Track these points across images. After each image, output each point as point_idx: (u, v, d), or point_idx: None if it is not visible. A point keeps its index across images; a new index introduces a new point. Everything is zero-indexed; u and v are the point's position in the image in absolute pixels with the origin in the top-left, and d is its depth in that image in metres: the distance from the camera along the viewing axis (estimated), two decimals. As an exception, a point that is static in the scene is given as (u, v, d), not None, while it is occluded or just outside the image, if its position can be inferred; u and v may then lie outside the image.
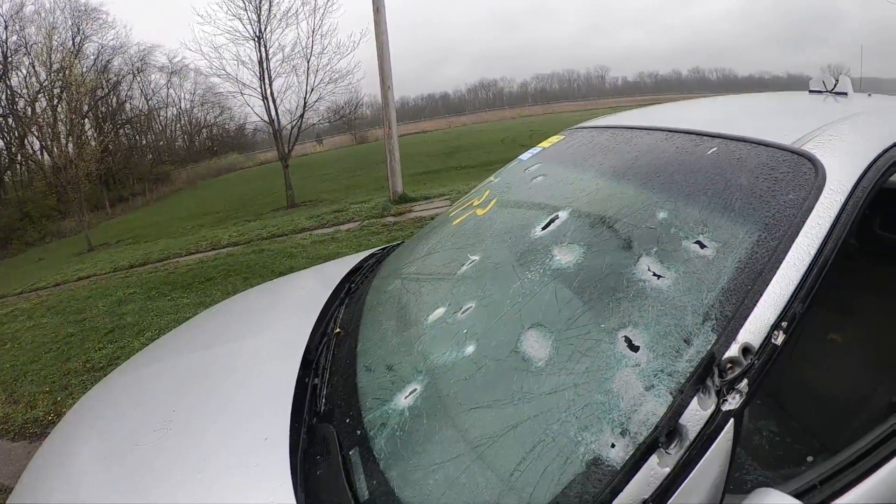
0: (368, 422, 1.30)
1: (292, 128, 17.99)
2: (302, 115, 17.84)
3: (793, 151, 1.29)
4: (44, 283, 10.57)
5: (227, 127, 55.51)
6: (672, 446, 0.93)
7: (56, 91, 21.41)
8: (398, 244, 2.66)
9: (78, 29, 35.94)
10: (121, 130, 42.64)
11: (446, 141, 35.84)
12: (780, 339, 1.00)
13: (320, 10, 17.10)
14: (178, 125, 54.21)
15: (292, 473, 1.21)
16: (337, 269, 2.48)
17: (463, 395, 1.22)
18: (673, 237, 1.25)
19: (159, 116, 50.48)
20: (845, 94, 1.72)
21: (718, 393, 0.96)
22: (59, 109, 18.90)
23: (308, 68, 17.47)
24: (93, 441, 1.61)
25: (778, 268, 1.05)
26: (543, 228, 1.58)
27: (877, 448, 1.20)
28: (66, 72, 19.35)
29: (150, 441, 1.47)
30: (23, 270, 16.06)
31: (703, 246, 1.18)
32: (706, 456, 0.94)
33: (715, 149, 1.47)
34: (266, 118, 17.77)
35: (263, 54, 17.19)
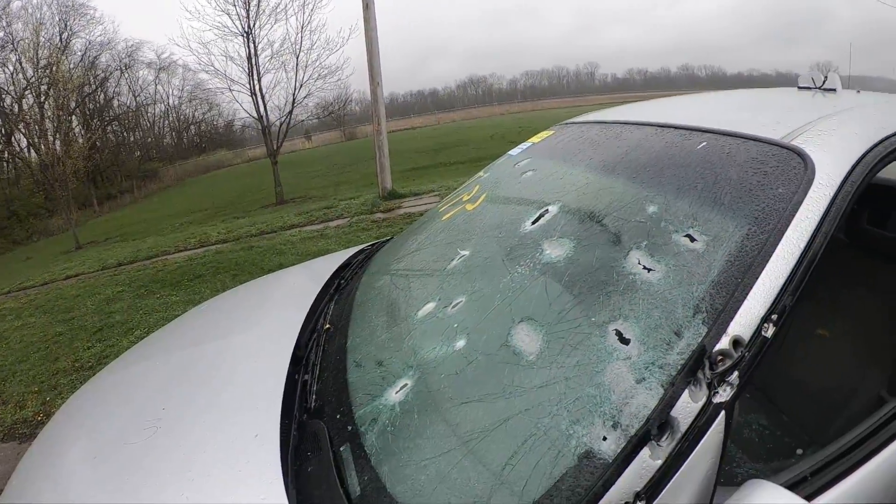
0: (359, 418, 1.30)
1: (281, 124, 17.97)
2: (291, 112, 17.84)
3: (782, 146, 1.29)
4: (32, 281, 10.47)
5: (215, 123, 55.45)
6: (664, 439, 0.94)
7: (43, 88, 21.28)
8: (388, 240, 2.65)
9: (65, 25, 35.59)
10: (108, 127, 42.41)
11: (435, 137, 35.84)
12: (770, 331, 1.00)
13: (309, 5, 17.12)
14: (167, 122, 54.01)
15: (283, 470, 1.21)
16: (326, 266, 2.47)
17: (454, 390, 1.22)
18: (663, 231, 1.25)
19: (147, 113, 50.28)
20: (834, 90, 1.73)
21: (709, 385, 0.96)
22: (46, 106, 18.82)
23: (297, 64, 17.51)
24: (82, 441, 1.60)
25: (767, 261, 1.06)
26: (533, 223, 1.58)
27: (866, 440, 1.21)
28: (54, 68, 19.25)
29: (140, 440, 1.46)
30: (10, 269, 15.94)
31: (693, 239, 1.19)
32: (698, 448, 0.94)
33: (704, 143, 1.47)
34: (255, 114, 17.72)
35: (252, 50, 17.17)
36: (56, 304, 7.55)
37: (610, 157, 1.70)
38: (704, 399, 0.95)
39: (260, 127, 17.99)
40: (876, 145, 1.26)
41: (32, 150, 20.09)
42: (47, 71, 20.84)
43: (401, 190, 12.68)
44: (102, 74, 41.06)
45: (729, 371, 0.97)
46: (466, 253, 1.69)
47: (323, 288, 2.16)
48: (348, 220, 10.41)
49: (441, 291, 1.60)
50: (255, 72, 17.25)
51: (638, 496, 0.92)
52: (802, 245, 1.07)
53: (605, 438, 0.96)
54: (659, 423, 0.94)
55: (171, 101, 52.84)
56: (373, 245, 2.72)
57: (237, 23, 16.83)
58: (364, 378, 1.44)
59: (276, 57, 17.51)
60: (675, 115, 1.81)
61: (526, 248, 1.50)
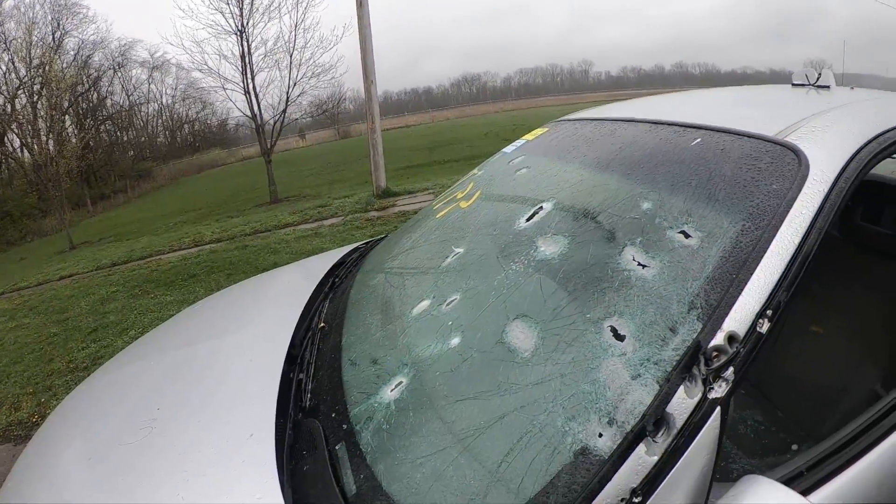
0: (354, 416, 1.30)
1: (275, 123, 17.91)
2: (284, 110, 17.79)
3: (777, 142, 1.30)
4: (25, 282, 10.44)
5: (209, 122, 55.27)
6: (659, 435, 0.94)
7: (36, 87, 21.21)
8: (382, 238, 2.64)
9: (58, 24, 35.38)
10: (102, 127, 42.20)
11: (429, 135, 35.80)
12: (765, 327, 1.00)
13: (303, 3, 17.08)
14: (160, 121, 53.75)
15: (278, 469, 1.20)
16: (321, 264, 2.47)
17: (449, 388, 1.22)
18: (657, 227, 1.25)
19: (141, 112, 49.97)
20: (828, 87, 1.73)
21: (705, 381, 0.96)
22: (39, 106, 18.76)
23: (291, 63, 17.46)
24: (77, 441, 1.59)
25: (762, 257, 1.06)
26: (528, 220, 1.58)
27: (861, 435, 1.21)
28: (46, 67, 19.18)
29: (135, 440, 1.45)
30: (4, 270, 15.87)
31: (687, 236, 1.19)
32: (693, 444, 0.94)
33: (699, 140, 1.47)
34: (248, 113, 17.69)
35: (246, 48, 17.11)
36: (50, 305, 7.53)
37: (604, 154, 1.70)
38: (700, 395, 0.95)
39: (254, 125, 17.95)
40: (870, 141, 1.26)
41: (25, 150, 20.05)
42: (40, 70, 20.79)
43: (395, 188, 12.66)
44: (95, 73, 40.87)
45: (724, 367, 0.97)
46: (461, 250, 1.69)
47: (317, 286, 2.15)
48: (342, 218, 10.40)
49: (436, 289, 1.60)
50: (248, 70, 17.22)
51: (634, 492, 0.92)
52: (797, 241, 1.08)
53: (600, 435, 0.96)
54: (654, 419, 0.94)
55: (164, 100, 52.68)
56: (367, 243, 2.71)
57: (230, 21, 16.80)
58: (359, 376, 1.44)
59: (269, 55, 17.50)
60: (670, 112, 1.81)
61: (520, 245, 1.50)
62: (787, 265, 1.05)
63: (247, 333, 1.93)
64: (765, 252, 1.06)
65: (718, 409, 0.96)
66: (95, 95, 41.44)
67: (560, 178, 1.71)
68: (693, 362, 0.97)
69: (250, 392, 1.52)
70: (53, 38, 33.89)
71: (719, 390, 0.96)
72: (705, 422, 0.95)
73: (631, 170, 1.53)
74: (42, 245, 21.71)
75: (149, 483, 1.30)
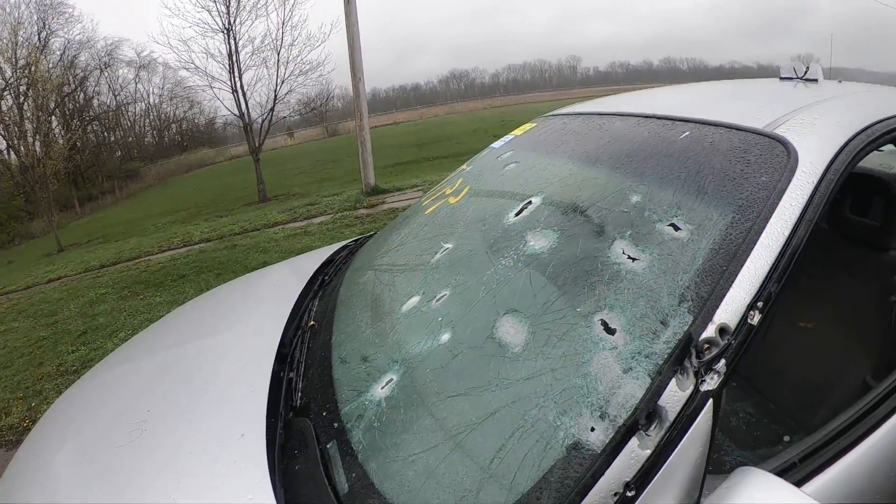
0: (345, 414, 1.29)
1: (263, 121, 17.83)
2: (272, 108, 17.68)
3: (765, 135, 1.30)
4: (14, 286, 10.38)
5: (196, 121, 54.96)
6: (652, 428, 0.94)
7: (22, 88, 21.04)
8: (371, 235, 2.64)
9: (44, 24, 35.01)
10: (89, 127, 41.89)
11: (418, 132, 35.75)
12: (756, 318, 1.00)
13: (290, 1, 16.97)
14: (147, 121, 53.34)
15: (270, 469, 1.20)
16: (310, 262, 2.46)
17: (440, 384, 1.21)
18: (647, 220, 1.25)
19: (128, 112, 49.65)
20: (816, 80, 1.74)
21: (696, 374, 0.96)
22: (25, 107, 18.61)
23: (278, 60, 17.35)
24: (68, 444, 1.58)
25: (752, 249, 1.06)
26: (517, 215, 1.58)
27: (853, 426, 1.22)
28: (32, 68, 19.05)
29: (126, 441, 1.44)
30: (-9, 273, 15.78)
31: (677, 228, 1.19)
32: (686, 437, 0.94)
33: (688, 133, 1.47)
34: (236, 112, 17.58)
35: (233, 47, 16.99)
36: (39, 308, 7.49)
37: (593, 148, 1.70)
38: (692, 387, 0.95)
39: (242, 124, 17.85)
40: (858, 134, 1.27)
41: (12, 152, 19.89)
42: (26, 71, 20.63)
43: (384, 185, 12.66)
44: (82, 73, 40.53)
45: (716, 359, 0.97)
46: (450, 246, 1.68)
47: (307, 285, 2.14)
48: (332, 216, 10.40)
49: (425, 285, 1.59)
50: (235, 68, 17.11)
51: (627, 486, 0.91)
52: (787, 233, 1.08)
53: (593, 429, 0.95)
54: (647, 412, 0.94)
55: (151, 100, 52.30)
56: (356, 241, 2.70)
57: (217, 19, 16.65)
58: (349, 374, 1.44)
59: (256, 53, 17.40)
60: (658, 106, 1.81)
61: (510, 240, 1.49)
62: (778, 257, 1.05)
63: (236, 333, 1.92)
64: (755, 244, 1.07)
65: (711, 401, 0.96)
66: (82, 96, 41.17)
67: (549, 173, 1.71)
68: (685, 355, 0.97)
69: (241, 392, 1.52)
70: (39, 39, 33.58)
71: (711, 382, 0.96)
72: (698, 414, 0.95)
73: (620, 163, 1.53)
74: (30, 248, 21.58)
75: (140, 484, 1.29)
